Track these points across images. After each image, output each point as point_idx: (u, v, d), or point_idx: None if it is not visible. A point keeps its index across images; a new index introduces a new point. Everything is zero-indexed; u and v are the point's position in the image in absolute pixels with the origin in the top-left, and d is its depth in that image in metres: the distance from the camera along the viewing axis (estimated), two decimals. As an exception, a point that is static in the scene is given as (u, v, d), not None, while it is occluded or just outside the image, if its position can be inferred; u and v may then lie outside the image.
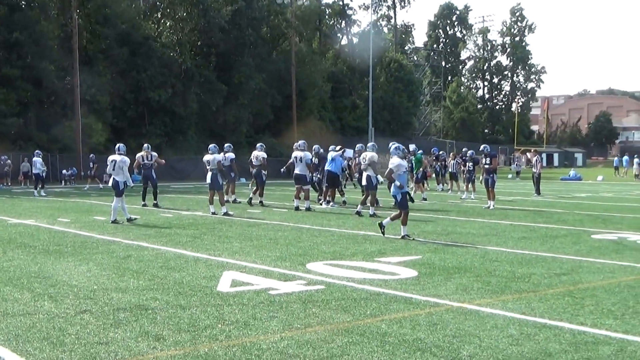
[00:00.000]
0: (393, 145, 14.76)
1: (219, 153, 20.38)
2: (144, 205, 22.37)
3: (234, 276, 9.62)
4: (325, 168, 22.66)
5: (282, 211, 21.08)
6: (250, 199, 23.40)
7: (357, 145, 25.14)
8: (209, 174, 19.81)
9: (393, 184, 14.15)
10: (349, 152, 24.73)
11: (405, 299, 8.18)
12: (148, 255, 11.69)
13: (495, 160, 23.22)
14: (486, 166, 22.99)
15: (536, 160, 30.42)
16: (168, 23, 57.11)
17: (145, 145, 23.64)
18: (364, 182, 19.57)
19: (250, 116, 58.43)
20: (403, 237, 13.91)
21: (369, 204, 19.54)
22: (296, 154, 21.97)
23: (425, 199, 25.77)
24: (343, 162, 23.46)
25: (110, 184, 17.93)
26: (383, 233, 14.25)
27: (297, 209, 21.05)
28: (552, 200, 26.58)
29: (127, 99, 50.12)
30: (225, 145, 24.44)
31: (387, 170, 14.23)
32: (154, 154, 23.31)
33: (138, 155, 23.03)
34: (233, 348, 6.15)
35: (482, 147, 24.05)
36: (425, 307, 7.78)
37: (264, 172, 23.35)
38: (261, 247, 12.67)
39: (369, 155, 19.57)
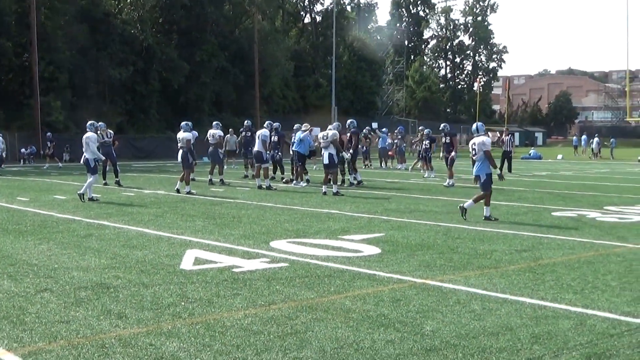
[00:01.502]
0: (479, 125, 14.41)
1: (190, 131, 20.10)
2: (105, 184, 22.13)
3: (197, 254, 9.58)
4: (293, 149, 22.57)
5: (245, 190, 21.01)
6: (210, 179, 23.21)
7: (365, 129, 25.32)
8: (179, 152, 19.62)
9: (480, 164, 13.87)
10: (317, 131, 24.64)
11: (369, 276, 8.21)
12: (109, 234, 11.57)
13: (455, 139, 23.48)
14: (446, 145, 23.27)
15: (509, 140, 30.83)
16: (129, 0, 56.33)
17: (101, 123, 23.23)
18: (325, 161, 19.40)
19: (212, 95, 58.01)
20: (486, 219, 13.60)
21: (332, 183, 19.55)
22: (259, 132, 21.88)
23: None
24: (312, 142, 23.40)
25: (81, 161, 17.84)
26: (464, 217, 13.62)
27: (259, 187, 20.98)
28: (513, 179, 26.85)
29: (87, 77, 49.37)
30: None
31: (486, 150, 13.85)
32: (110, 131, 22.99)
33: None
34: (197, 325, 6.12)
35: (441, 125, 24.18)
36: (389, 284, 7.82)
37: (220, 150, 23.26)
38: (224, 226, 12.62)
39: (330, 133, 19.53)
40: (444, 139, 23.38)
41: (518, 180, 25.99)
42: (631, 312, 6.69)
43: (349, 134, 22.74)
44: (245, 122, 26.40)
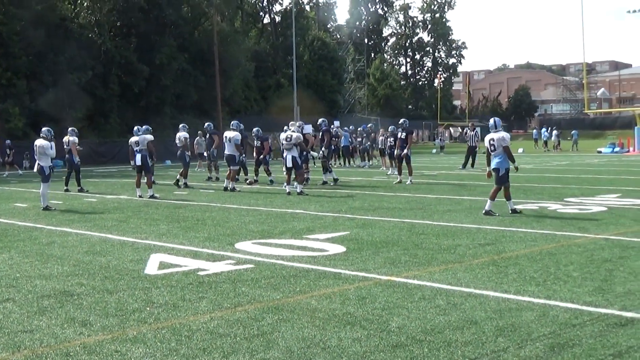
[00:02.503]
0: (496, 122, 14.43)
1: (149, 134, 19.94)
2: (66, 190, 21.85)
3: (161, 258, 9.52)
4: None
5: (209, 192, 20.92)
6: (177, 180, 23.08)
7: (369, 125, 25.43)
8: (138, 156, 19.34)
9: (500, 159, 13.93)
10: (308, 128, 24.35)
11: (334, 275, 8.23)
12: (72, 241, 11.45)
13: (410, 136, 23.12)
14: (401, 140, 23.08)
15: (473, 135, 31.08)
16: (85, 3, 55.55)
17: (71, 129, 23.01)
18: (288, 164, 19.37)
19: (173, 97, 57.60)
20: (513, 212, 13.69)
21: (296, 183, 19.57)
22: (226, 134, 21.71)
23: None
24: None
25: (35, 169, 17.39)
26: (490, 214, 13.58)
27: (225, 189, 20.87)
28: (475, 173, 27.12)
29: (45, 82, 48.67)
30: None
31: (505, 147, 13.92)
32: (72, 138, 22.65)
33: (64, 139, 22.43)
34: (162, 330, 6.09)
35: (401, 120, 24.02)
36: (354, 282, 7.85)
37: (187, 152, 23.17)
38: (189, 229, 12.56)
39: (294, 135, 19.54)
40: (399, 134, 23.14)
41: (480, 175, 26.23)
42: (593, 301, 6.80)
43: (320, 133, 22.88)
44: (206, 124, 26.27)
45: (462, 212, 14.19)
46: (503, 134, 14.12)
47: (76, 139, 22.23)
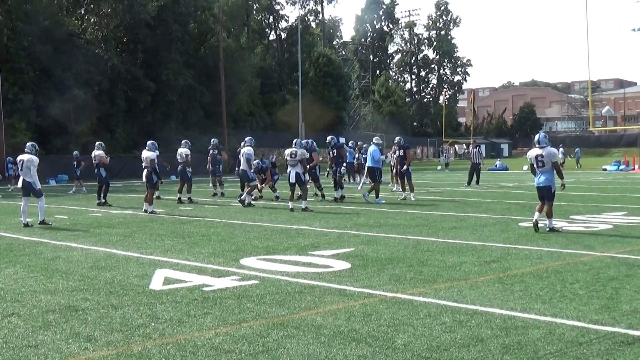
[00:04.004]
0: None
1: (155, 151, 20.03)
2: (99, 203, 22.20)
3: (166, 274, 9.50)
4: (369, 165, 22.28)
5: (214, 208, 20.92)
6: (179, 198, 23.08)
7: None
8: (144, 172, 19.58)
9: (549, 175, 13.64)
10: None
11: (340, 291, 8.21)
12: (77, 256, 11.44)
13: (408, 152, 23.22)
14: (400, 158, 23.11)
15: (477, 152, 31.07)
16: (92, 19, 55.96)
17: (98, 143, 23.36)
18: (291, 179, 19.45)
19: (179, 113, 57.78)
20: (552, 230, 13.45)
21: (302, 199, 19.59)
22: (242, 150, 21.66)
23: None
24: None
25: (19, 184, 16.89)
26: (554, 230, 13.49)
27: (245, 204, 20.71)
28: (481, 191, 27.08)
29: (52, 97, 48.90)
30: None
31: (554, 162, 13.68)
32: (99, 152, 22.84)
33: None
34: (167, 346, 6.07)
35: (396, 138, 24.12)
36: (360, 298, 7.83)
37: (188, 169, 23.24)
38: (194, 244, 12.55)
39: (299, 152, 19.61)
40: (397, 152, 23.26)
41: (485, 192, 26.21)
42: (599, 319, 6.76)
43: (334, 150, 22.91)
44: (212, 140, 26.34)
45: (467, 229, 14.16)
46: (551, 149, 13.84)
47: (103, 153, 22.69)
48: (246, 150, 21.20)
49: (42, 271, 10.02)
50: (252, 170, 21.34)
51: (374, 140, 23.07)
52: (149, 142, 20.08)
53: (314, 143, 22.35)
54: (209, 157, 26.61)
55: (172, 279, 9.12)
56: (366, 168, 22.60)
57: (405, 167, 22.44)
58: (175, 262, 10.53)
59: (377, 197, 21.84)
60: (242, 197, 21.27)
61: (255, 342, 6.14)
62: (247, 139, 21.80)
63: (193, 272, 9.63)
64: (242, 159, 21.23)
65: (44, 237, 14.15)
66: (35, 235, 14.53)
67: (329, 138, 23.37)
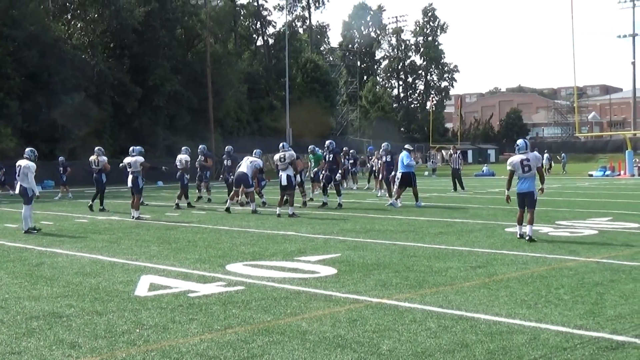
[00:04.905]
0: None
1: (140, 155, 20.02)
2: (102, 209, 22.12)
3: (152, 280, 9.47)
4: (401, 171, 22.33)
5: (201, 213, 20.88)
6: (189, 202, 23.31)
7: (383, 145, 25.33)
8: (130, 177, 19.57)
9: (532, 181, 13.42)
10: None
11: (325, 297, 8.20)
12: (62, 262, 11.39)
13: (396, 158, 23.36)
14: (386, 164, 23.32)
15: (456, 157, 31.17)
16: (79, 24, 55.78)
17: (97, 148, 23.37)
18: (283, 182, 19.48)
19: (166, 119, 57.66)
20: (530, 239, 12.94)
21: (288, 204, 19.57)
22: (251, 159, 21.64)
23: (311, 199, 24.94)
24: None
25: (17, 190, 16.84)
26: (532, 239, 12.96)
27: (254, 211, 20.58)
28: (467, 196, 27.15)
29: (39, 103, 48.68)
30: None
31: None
32: (103, 158, 22.83)
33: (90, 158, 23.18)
34: (152, 352, 6.04)
35: (383, 144, 24.33)
36: (345, 304, 7.82)
37: (186, 175, 23.33)
38: (179, 250, 12.52)
39: (287, 154, 19.64)
40: (384, 158, 23.47)
41: (472, 197, 26.28)
42: (583, 325, 6.79)
43: (331, 155, 22.73)
44: (199, 146, 26.41)
45: (453, 235, 14.19)
46: (536, 153, 13.83)
47: (106, 159, 22.91)
48: (257, 161, 21.08)
49: (26, 277, 9.96)
50: (254, 179, 21.35)
51: (406, 146, 23.45)
52: (137, 147, 20.25)
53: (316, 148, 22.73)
54: (196, 163, 26.57)
55: (157, 285, 9.09)
56: (399, 175, 22.56)
57: (394, 172, 22.67)
58: (160, 268, 10.50)
59: (416, 200, 22.09)
60: (239, 201, 21.44)
61: (241, 348, 6.13)
62: (257, 150, 22.09)
63: (179, 278, 9.60)
64: (245, 165, 21.00)
65: (29, 243, 14.07)
66: (20, 242, 14.45)
67: (327, 142, 23.31)
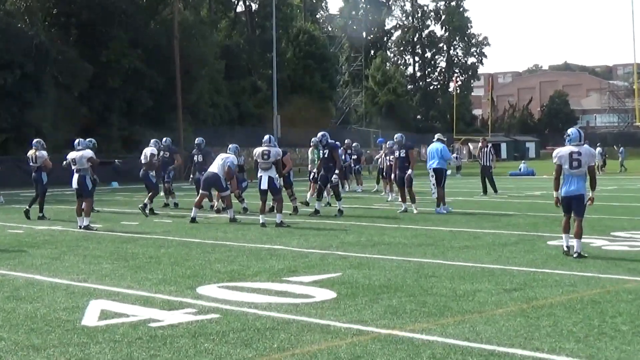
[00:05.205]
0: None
1: (91, 148, 19.98)
2: (42, 217, 22.01)
3: (103, 306, 9.44)
4: (434, 167, 22.78)
5: (165, 222, 20.86)
6: (166, 204, 23.43)
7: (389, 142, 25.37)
8: (75, 177, 19.43)
9: (583, 181, 13.30)
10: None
11: (322, 327, 8.19)
12: (-9, 283, 11.36)
13: (412, 152, 23.33)
14: (400, 159, 23.14)
15: (487, 152, 31.10)
16: (13, -15, 55.76)
17: (36, 141, 23.08)
18: (263, 186, 19.29)
19: (123, 104, 57.60)
20: (580, 255, 12.89)
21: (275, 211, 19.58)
22: (225, 156, 21.66)
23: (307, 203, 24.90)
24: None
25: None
26: (583, 255, 12.95)
27: (232, 220, 20.59)
28: (501, 201, 27.16)
29: (-38, 84, 48.69)
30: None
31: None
32: (43, 153, 22.66)
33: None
34: (102, 398, 6.02)
35: (396, 136, 24.14)
36: (347, 336, 7.80)
37: (151, 173, 23.22)
38: (139, 269, 12.50)
39: (273, 151, 19.47)
40: (397, 153, 23.23)
41: (506, 203, 26.29)
42: (646, 362, 6.77)
43: (326, 151, 22.39)
44: (164, 139, 26.32)
45: (482, 249, 14.18)
46: (590, 148, 13.72)
47: (46, 153, 22.44)
48: (229, 158, 20.95)
49: (-55, 303, 9.93)
50: (228, 181, 21.26)
51: (438, 136, 23.70)
52: (83, 141, 20.12)
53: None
54: (157, 160, 26.59)
55: (110, 313, 9.06)
56: (432, 170, 22.65)
57: (410, 171, 22.51)
58: (115, 291, 10.47)
59: (439, 205, 22.40)
60: (216, 207, 21.57)
61: (214, 392, 6.10)
62: (231, 145, 21.75)
63: (137, 304, 9.57)
64: (216, 164, 20.96)
65: (-50, 260, 14.03)
66: (-61, 258, 14.40)
67: (319, 135, 22.93)
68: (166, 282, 11.13)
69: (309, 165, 28.39)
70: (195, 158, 25.05)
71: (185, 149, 45.34)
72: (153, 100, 59.26)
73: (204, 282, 11.09)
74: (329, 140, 22.48)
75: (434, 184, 22.83)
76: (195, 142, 25.33)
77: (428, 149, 23.84)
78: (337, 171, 22.17)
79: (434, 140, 23.57)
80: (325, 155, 22.30)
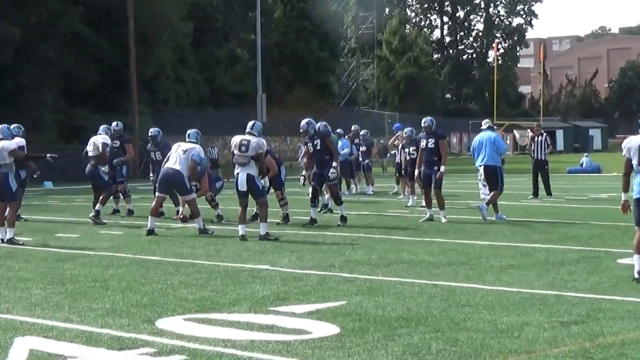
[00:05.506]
0: None
1: (19, 136, 19.95)
2: None
3: (33, 344, 9.44)
4: (484, 164, 23.10)
5: (114, 234, 20.87)
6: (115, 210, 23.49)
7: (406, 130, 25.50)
8: None
9: None
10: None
11: (320, 373, 8.19)
12: None
13: (443, 143, 23.07)
14: (427, 151, 22.90)
15: (541, 142, 31.05)
16: None
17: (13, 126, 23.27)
18: (241, 187, 19.22)
19: (59, 78, 57.60)
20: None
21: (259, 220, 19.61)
22: (181, 145, 21.56)
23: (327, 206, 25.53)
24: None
25: None
26: None
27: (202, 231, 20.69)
28: (556, 206, 27.17)
29: None
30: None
31: None
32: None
33: None
34: None
35: (424, 120, 23.75)
36: (353, 385, 7.81)
37: (102, 168, 23.18)
38: (80, 295, 12.49)
39: (253, 141, 19.27)
40: (424, 143, 22.92)
41: (563, 209, 26.29)
42: None
43: (318, 141, 22.27)
44: (114, 123, 26.26)
45: (532, 270, 14.19)
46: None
47: None
48: (195, 149, 20.85)
49: None
50: (192, 182, 21.27)
51: (487, 123, 23.91)
52: (4, 127, 20.09)
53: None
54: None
55: (42, 354, 9.06)
56: (482, 168, 22.71)
57: (442, 167, 22.24)
58: (48, 325, 10.46)
59: (497, 210, 22.69)
60: (180, 214, 21.96)
61: None
62: (191, 131, 21.54)
63: (78, 342, 9.57)
64: (176, 157, 20.88)
65: None
66: None
67: (303, 124, 22.74)
68: (116, 314, 11.11)
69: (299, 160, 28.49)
70: (152, 155, 24.97)
71: (141, 139, 45.37)
72: (99, 75, 59.25)
73: (166, 313, 11.08)
74: (317, 127, 22.32)
75: (484, 184, 22.84)
76: (149, 133, 25.18)
77: (475, 140, 23.89)
78: (334, 164, 21.98)
79: (483, 128, 23.48)
80: (317, 147, 22.18)
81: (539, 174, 30.86)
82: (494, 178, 22.74)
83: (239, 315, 10.87)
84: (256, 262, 15.58)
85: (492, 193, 22.62)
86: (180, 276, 14.19)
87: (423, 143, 22.88)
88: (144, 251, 17.58)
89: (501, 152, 23.28)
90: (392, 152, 34.98)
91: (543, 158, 31.02)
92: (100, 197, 23.08)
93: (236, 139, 19.63)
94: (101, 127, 24.92)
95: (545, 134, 32.23)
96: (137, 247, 18.36)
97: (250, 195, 19.47)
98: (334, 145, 22.70)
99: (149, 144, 25.42)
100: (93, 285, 13.41)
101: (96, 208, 23.01)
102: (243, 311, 11.16)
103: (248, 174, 19.14)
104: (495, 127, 24.23)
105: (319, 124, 22.80)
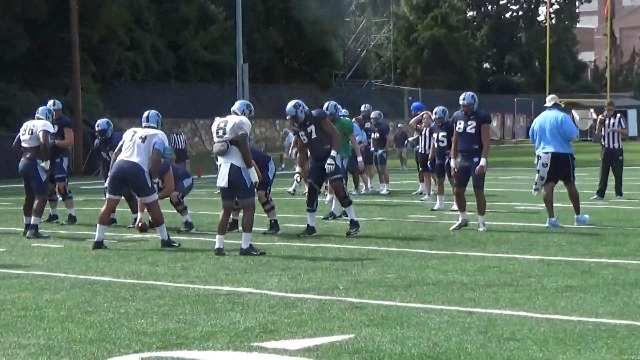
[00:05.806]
0: None
1: None
2: None
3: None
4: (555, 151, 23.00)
5: (54, 248, 20.89)
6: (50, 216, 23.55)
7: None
8: None
9: None
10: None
11: None
12: None
13: (486, 128, 22.69)
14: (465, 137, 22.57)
15: (614, 124, 30.91)
16: None
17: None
18: (221, 182, 19.17)
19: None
20: None
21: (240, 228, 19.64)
22: (136, 131, 21.60)
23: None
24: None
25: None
26: None
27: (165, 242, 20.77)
28: (628, 209, 27.19)
29: None
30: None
31: None
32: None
33: None
34: None
35: (462, 97, 23.38)
36: None
37: (41, 163, 23.22)
38: (6, 328, 12.51)
39: (231, 123, 19.17)
40: (462, 125, 22.58)
41: (636, 212, 26.27)
42: None
43: (311, 127, 22.18)
44: (51, 102, 26.33)
45: (596, 292, 14.19)
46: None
47: None
48: (157, 136, 20.86)
49: None
50: (155, 179, 21.30)
51: (552, 99, 23.92)
52: None
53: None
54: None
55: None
56: (548, 156, 22.76)
57: (482, 162, 21.95)
58: (-36, 368, 10.48)
59: (578, 212, 23.31)
60: (139, 221, 22.22)
61: None
62: (150, 113, 21.47)
63: (3, 389, 9.58)
64: (133, 147, 20.90)
65: None
66: None
67: (290, 107, 22.56)
68: (53, 352, 11.11)
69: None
70: (103, 154, 24.99)
71: (86, 124, 45.35)
72: (30, 40, 59.35)
73: (118, 350, 11.08)
74: (308, 110, 22.20)
75: (542, 177, 22.73)
76: (97, 127, 25.08)
77: (535, 121, 23.82)
78: (333, 153, 21.79)
79: (548, 105, 23.27)
80: (313, 135, 22.07)
81: (611, 168, 30.67)
82: (566, 169, 22.77)
83: (214, 354, 10.87)
84: (236, 284, 15.60)
85: (570, 189, 22.69)
86: (137, 302, 14.20)
87: (460, 125, 22.44)
88: (90, 270, 17.60)
89: (570, 138, 23.19)
90: (413, 138, 34.89)
91: (618, 146, 30.83)
92: (35, 205, 23.02)
93: (215, 124, 19.46)
94: (40, 109, 24.75)
95: (619, 116, 31.98)
96: (81, 264, 18.39)
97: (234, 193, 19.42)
98: (333, 129, 22.33)
99: (97, 139, 25.39)
100: (24, 315, 13.42)
101: (32, 222, 22.96)
102: (219, 348, 11.15)
103: (232, 165, 18.97)
104: (562, 104, 24.10)
105: (326, 103, 22.84)
